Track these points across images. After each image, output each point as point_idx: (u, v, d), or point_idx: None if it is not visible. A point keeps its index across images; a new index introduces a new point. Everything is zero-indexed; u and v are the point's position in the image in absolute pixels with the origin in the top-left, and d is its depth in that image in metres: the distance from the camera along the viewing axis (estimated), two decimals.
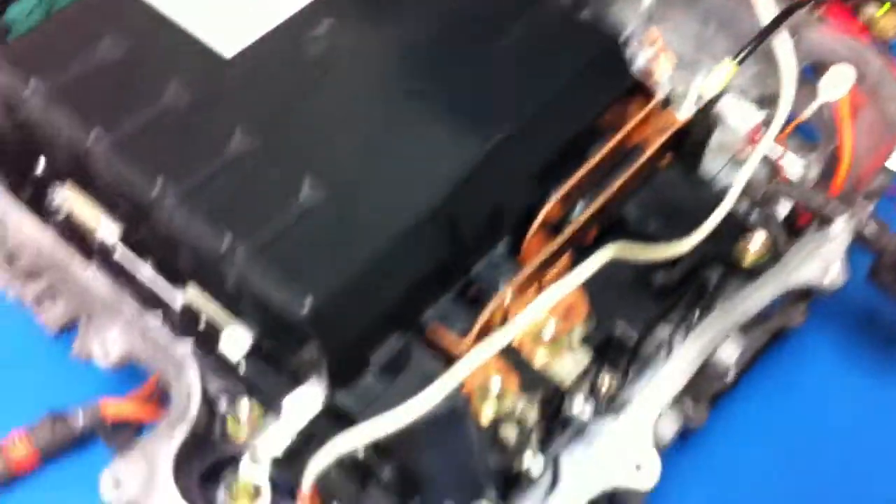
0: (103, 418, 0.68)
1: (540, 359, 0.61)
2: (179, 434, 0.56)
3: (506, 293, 0.60)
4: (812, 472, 0.77)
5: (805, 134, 0.79)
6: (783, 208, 0.72)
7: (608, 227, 0.65)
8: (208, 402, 0.60)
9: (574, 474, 0.59)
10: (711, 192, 0.68)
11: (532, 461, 0.60)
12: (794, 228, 0.72)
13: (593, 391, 0.65)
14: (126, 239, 0.64)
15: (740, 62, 0.66)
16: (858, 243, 0.68)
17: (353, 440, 0.53)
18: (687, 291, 0.67)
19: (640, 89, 0.66)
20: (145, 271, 0.62)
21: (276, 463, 0.58)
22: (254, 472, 0.58)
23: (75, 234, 0.65)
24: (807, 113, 0.70)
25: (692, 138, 0.67)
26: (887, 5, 0.76)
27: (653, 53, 0.69)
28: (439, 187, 0.57)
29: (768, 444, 0.78)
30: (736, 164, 0.72)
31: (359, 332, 0.56)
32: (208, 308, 0.61)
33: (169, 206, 0.56)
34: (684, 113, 0.65)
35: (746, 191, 0.66)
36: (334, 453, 0.53)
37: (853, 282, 0.68)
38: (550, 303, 0.57)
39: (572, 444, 0.64)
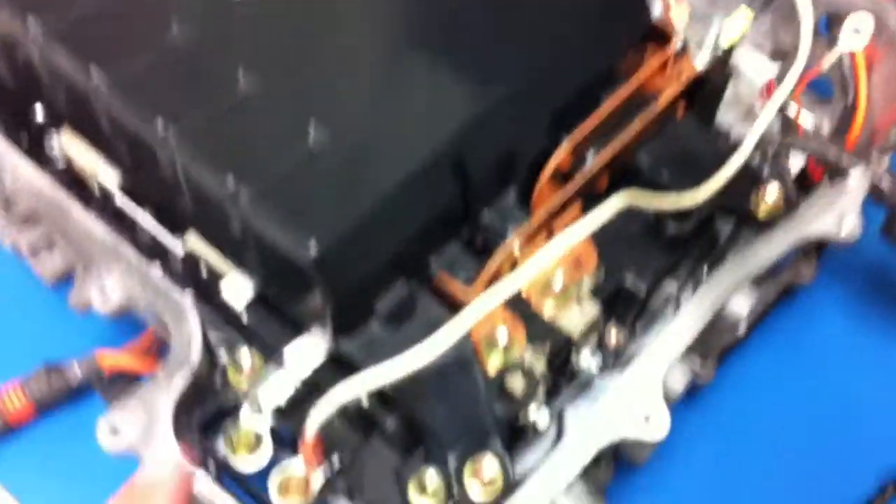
0: (100, 370, 0.67)
1: (548, 310, 0.60)
2: (180, 381, 0.54)
3: (514, 241, 0.59)
4: (818, 429, 0.76)
5: (817, 90, 0.78)
6: (794, 166, 0.71)
7: (620, 177, 0.63)
8: (209, 352, 0.58)
9: (580, 428, 0.58)
10: (726, 143, 0.67)
11: (538, 414, 0.59)
12: (806, 185, 0.70)
13: (601, 345, 0.64)
14: (126, 187, 0.62)
15: (757, 8, 0.64)
16: (872, 198, 0.66)
17: (358, 387, 0.52)
18: (698, 244, 0.65)
19: (657, 36, 0.64)
20: (145, 219, 0.61)
21: (278, 412, 0.57)
22: (255, 421, 0.57)
23: (74, 183, 0.63)
24: (826, 62, 0.69)
25: (708, 88, 0.65)
26: None
27: (670, 1, 0.67)
28: (447, 130, 0.55)
29: (775, 400, 0.77)
30: (749, 119, 0.71)
31: (364, 277, 0.55)
32: (209, 256, 0.60)
33: (170, 148, 0.54)
34: (702, 61, 0.63)
35: (761, 143, 0.65)
36: (338, 401, 0.52)
37: (863, 240, 0.67)
38: (561, 250, 0.56)
39: (578, 399, 0.63)
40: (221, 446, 0.57)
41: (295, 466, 0.56)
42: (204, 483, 0.53)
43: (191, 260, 0.61)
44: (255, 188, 0.52)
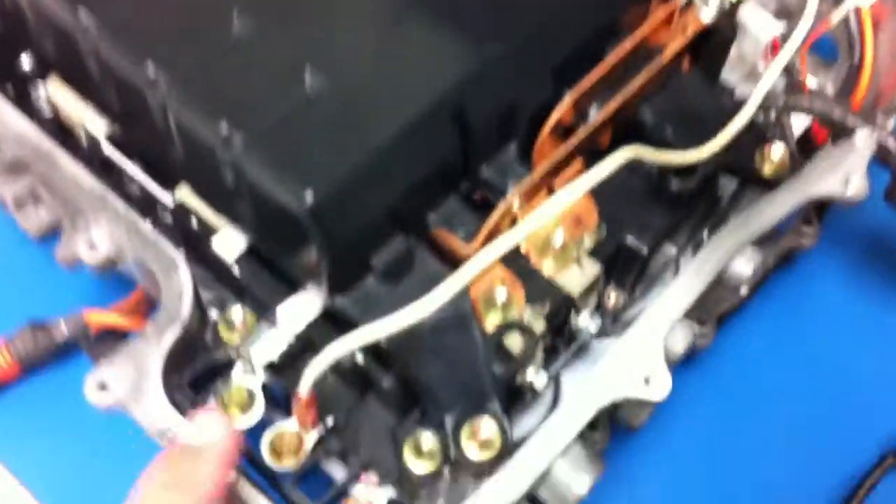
0: (86, 327, 0.65)
1: (547, 269, 0.59)
2: (170, 335, 0.53)
3: (514, 197, 0.57)
4: (817, 395, 0.76)
5: (821, 53, 0.76)
6: (797, 128, 0.70)
7: (622, 135, 0.62)
8: (200, 308, 0.57)
9: (579, 389, 0.57)
10: (731, 100, 0.65)
11: (536, 376, 0.57)
12: (808, 149, 0.69)
13: (600, 306, 0.63)
14: (115, 137, 0.60)
15: None
16: (877, 159, 0.65)
17: (355, 341, 0.50)
18: (701, 203, 0.64)
19: None
20: (134, 170, 0.59)
21: (271, 368, 0.56)
22: (247, 379, 0.55)
23: (61, 134, 0.62)
24: (835, 18, 0.68)
25: (714, 43, 0.64)
26: None
27: None
28: (447, 81, 0.54)
29: (774, 366, 0.77)
30: (753, 79, 0.69)
31: (361, 229, 0.53)
32: (201, 210, 0.58)
33: (161, 92, 0.52)
34: (708, 14, 0.62)
35: (766, 101, 0.64)
36: (334, 356, 0.50)
37: (864, 206, 0.66)
38: (562, 204, 0.55)
39: (576, 362, 0.62)
40: (213, 404, 0.55)
41: (288, 426, 0.54)
42: None
43: (181, 215, 0.59)
44: (248, 134, 0.50)
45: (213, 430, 0.51)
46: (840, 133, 0.65)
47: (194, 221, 0.58)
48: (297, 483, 0.54)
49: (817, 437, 0.74)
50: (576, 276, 0.59)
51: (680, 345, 0.62)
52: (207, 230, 0.58)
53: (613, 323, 0.64)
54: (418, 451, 0.53)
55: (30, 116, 0.61)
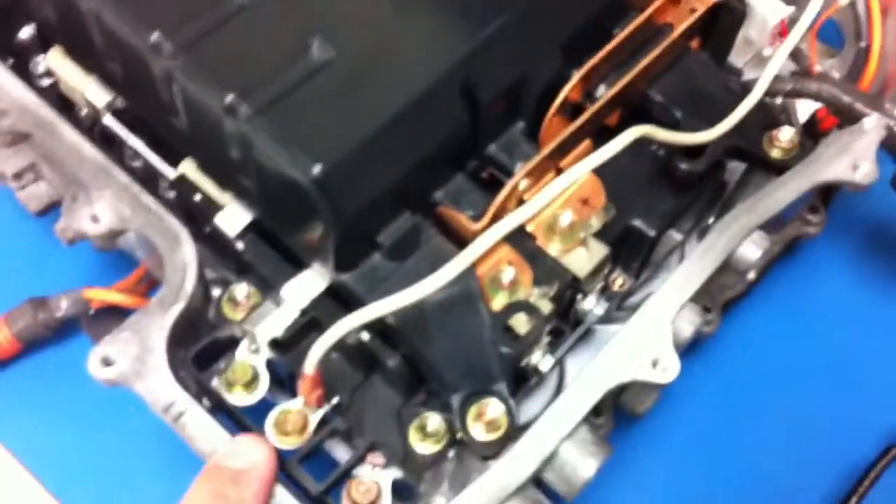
0: (86, 304, 0.65)
1: (555, 251, 0.58)
2: (175, 309, 0.52)
3: (521, 176, 0.57)
4: (821, 385, 0.75)
5: (827, 42, 0.76)
6: (802, 114, 0.69)
7: (630, 114, 0.61)
8: (203, 285, 0.56)
9: (586, 371, 0.56)
10: (739, 81, 0.65)
11: (541, 359, 0.57)
12: (814, 135, 0.69)
13: (606, 290, 0.62)
14: (118, 111, 0.60)
15: None
16: (883, 147, 0.65)
17: (362, 317, 0.50)
18: (708, 187, 0.64)
19: None
20: (137, 144, 0.58)
21: (276, 348, 0.55)
22: (251, 356, 0.54)
23: (61, 109, 0.61)
24: (843, 0, 0.67)
25: (723, 22, 0.63)
26: None
27: None
28: (456, 53, 0.53)
29: (779, 356, 0.76)
30: (760, 65, 0.69)
31: (368, 204, 0.52)
32: (205, 185, 0.57)
33: (166, 63, 0.51)
34: None
35: (774, 84, 0.63)
36: (341, 332, 0.50)
37: (868, 195, 0.66)
38: (572, 180, 0.54)
39: (582, 347, 0.61)
40: (215, 382, 0.54)
41: (292, 406, 0.54)
42: None
43: (184, 191, 0.58)
44: (255, 106, 0.50)
45: (254, 452, 0.51)
46: (848, 118, 0.65)
47: (197, 197, 0.57)
48: (301, 462, 0.53)
49: (821, 427, 0.74)
50: (583, 258, 0.58)
51: (688, 328, 0.62)
52: (210, 206, 0.57)
53: (619, 308, 0.63)
54: (424, 432, 0.53)
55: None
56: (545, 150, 0.57)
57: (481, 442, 0.52)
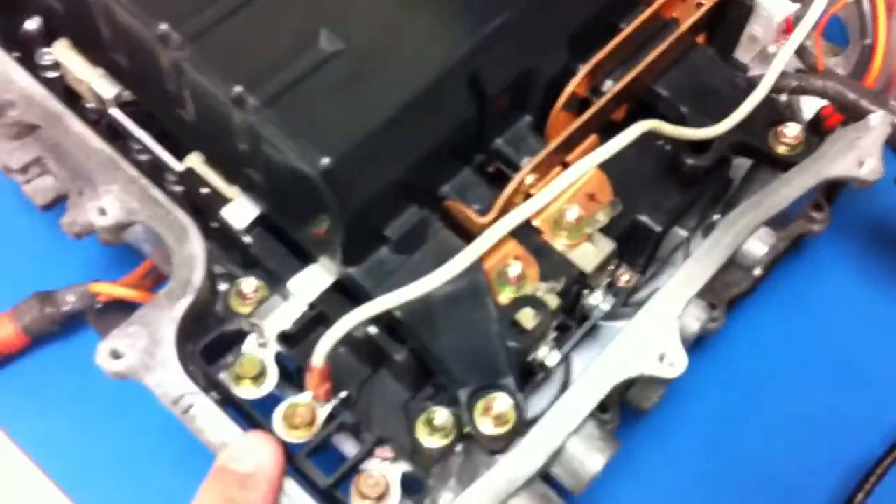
0: (93, 298, 0.65)
1: (560, 246, 0.58)
2: (184, 302, 0.52)
3: (527, 171, 0.57)
4: (826, 383, 0.75)
5: (832, 40, 0.76)
6: (808, 111, 0.70)
7: (636, 109, 0.62)
8: (210, 278, 0.56)
9: (593, 366, 0.56)
10: (745, 77, 0.65)
11: (548, 354, 0.57)
12: (818, 131, 0.69)
13: (611, 286, 0.62)
14: (124, 105, 0.60)
15: None
16: (889, 143, 0.65)
17: (370, 311, 0.50)
18: (714, 183, 0.64)
19: None
20: (143, 136, 0.58)
21: (284, 342, 0.55)
22: (259, 350, 0.54)
23: (67, 102, 0.61)
24: None
25: (730, 17, 0.63)
26: None
27: None
28: (463, 44, 0.53)
29: (783, 354, 0.76)
30: (765, 62, 0.69)
31: (376, 196, 0.52)
32: (212, 179, 0.57)
33: (175, 54, 0.51)
34: None
35: (780, 80, 0.63)
36: (349, 326, 0.50)
37: (872, 193, 0.66)
38: (579, 174, 0.54)
39: (588, 343, 0.61)
40: (224, 375, 0.54)
41: (301, 400, 0.54)
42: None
43: (190, 185, 0.58)
44: (263, 97, 0.50)
45: (261, 453, 0.51)
46: (853, 115, 0.65)
47: (204, 190, 0.57)
48: (309, 456, 0.53)
49: (827, 424, 0.74)
50: (589, 253, 0.59)
51: (694, 324, 0.62)
52: (218, 199, 0.57)
53: (624, 305, 0.63)
54: (432, 426, 0.53)
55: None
56: (552, 145, 0.57)
57: (489, 436, 0.53)
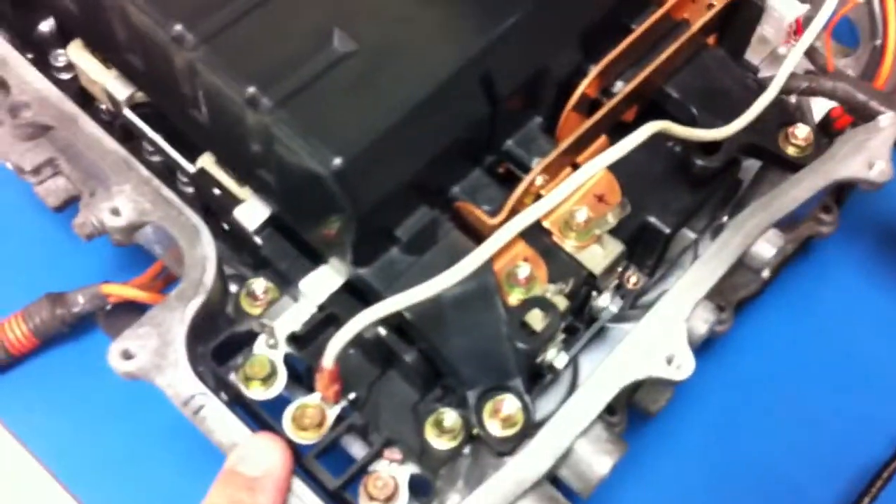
0: (103, 299, 0.65)
1: (569, 247, 0.58)
2: (195, 303, 0.52)
3: (538, 172, 0.57)
4: (833, 386, 0.75)
5: (842, 41, 0.76)
6: (816, 113, 0.69)
7: (646, 110, 0.62)
8: (221, 279, 0.56)
9: (601, 368, 0.56)
10: (755, 78, 0.65)
11: (556, 356, 0.57)
12: (827, 133, 0.69)
13: (620, 288, 0.62)
14: (137, 106, 0.60)
15: None
16: None
17: (380, 311, 0.50)
18: (723, 184, 0.64)
19: None
20: (156, 138, 0.58)
21: (294, 343, 0.55)
22: (270, 351, 0.54)
23: (81, 100, 0.61)
24: None
25: (740, 18, 0.63)
26: None
27: None
28: (474, 45, 0.53)
29: (790, 356, 0.76)
30: (775, 63, 0.69)
31: (387, 197, 0.52)
32: (223, 178, 0.57)
33: (188, 54, 0.51)
34: None
35: (789, 83, 0.63)
36: (359, 326, 0.50)
37: (880, 196, 0.66)
38: (589, 175, 0.54)
39: (596, 345, 0.61)
40: (234, 376, 0.54)
41: (310, 401, 0.54)
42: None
43: (202, 186, 0.59)
44: (276, 97, 0.50)
45: (269, 456, 0.51)
46: (862, 116, 0.65)
47: (216, 191, 0.58)
48: (318, 457, 0.53)
49: (834, 427, 0.74)
50: (598, 255, 0.59)
51: (702, 327, 0.62)
52: (230, 200, 0.57)
53: (632, 307, 0.63)
54: (440, 428, 0.53)
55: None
56: (562, 146, 0.57)
57: (497, 438, 0.53)
